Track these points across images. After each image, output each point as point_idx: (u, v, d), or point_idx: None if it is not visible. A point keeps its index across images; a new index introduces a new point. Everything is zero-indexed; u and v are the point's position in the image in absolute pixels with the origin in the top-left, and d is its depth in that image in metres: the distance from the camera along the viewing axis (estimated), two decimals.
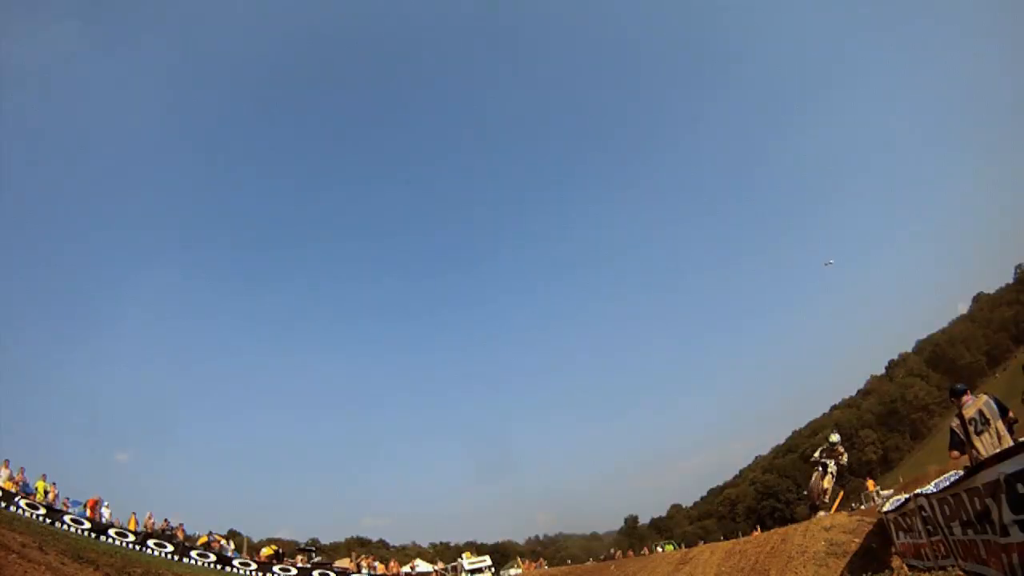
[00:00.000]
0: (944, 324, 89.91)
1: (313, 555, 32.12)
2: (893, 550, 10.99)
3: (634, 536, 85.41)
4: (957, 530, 6.28)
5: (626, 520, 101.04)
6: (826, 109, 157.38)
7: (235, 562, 23.61)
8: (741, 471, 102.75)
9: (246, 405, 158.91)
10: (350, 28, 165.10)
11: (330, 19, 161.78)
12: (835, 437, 17.61)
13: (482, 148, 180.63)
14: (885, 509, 12.03)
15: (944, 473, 13.34)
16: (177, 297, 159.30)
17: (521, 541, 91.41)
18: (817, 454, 17.54)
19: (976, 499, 5.23)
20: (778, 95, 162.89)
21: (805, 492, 16.72)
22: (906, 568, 9.67)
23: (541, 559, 47.75)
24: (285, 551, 31.77)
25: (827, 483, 16.41)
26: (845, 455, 17.34)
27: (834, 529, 13.42)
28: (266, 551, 25.77)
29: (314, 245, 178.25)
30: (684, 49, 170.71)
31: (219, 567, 22.75)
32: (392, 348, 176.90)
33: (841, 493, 33.03)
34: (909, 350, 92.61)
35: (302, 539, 55.87)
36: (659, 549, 34.12)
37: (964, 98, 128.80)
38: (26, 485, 20.59)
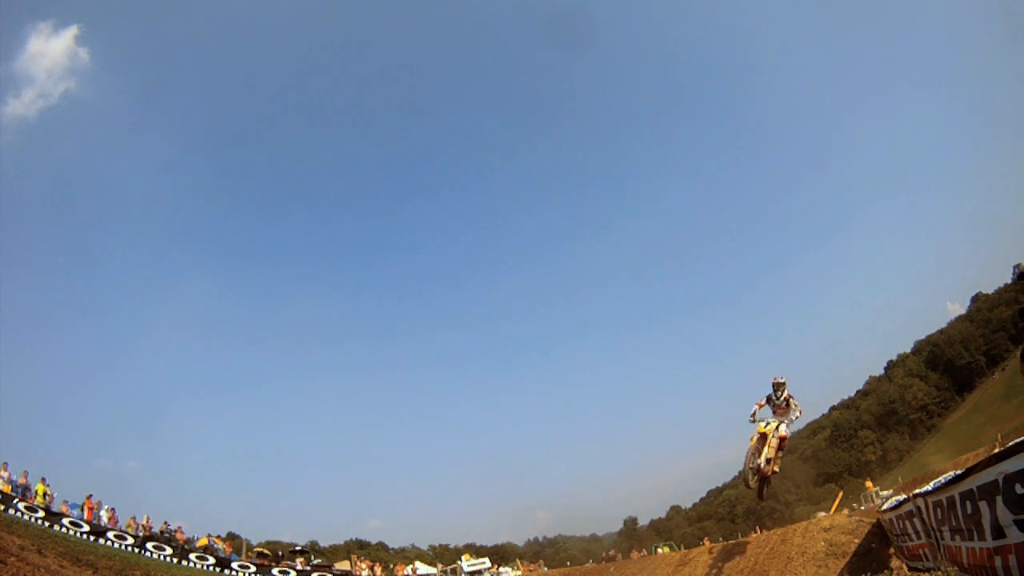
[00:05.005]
0: (942, 324, 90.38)
1: (312, 558, 32.08)
2: (892, 551, 11.01)
3: (633, 537, 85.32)
4: (947, 535, 6.28)
5: (625, 521, 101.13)
6: (826, 108, 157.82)
7: (234, 564, 23.60)
8: (740, 472, 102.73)
9: (247, 407, 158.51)
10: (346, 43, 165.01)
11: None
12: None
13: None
14: (883, 508, 12.06)
15: (943, 474, 13.38)
16: (178, 299, 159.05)
17: (520, 543, 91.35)
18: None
19: (968, 502, 5.22)
20: (777, 92, 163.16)
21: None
22: (906, 568, 9.68)
23: (540, 560, 47.74)
24: (284, 553, 31.73)
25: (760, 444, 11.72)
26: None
27: (833, 530, 13.44)
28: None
29: (316, 244, 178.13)
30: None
31: (218, 570, 22.76)
32: (391, 349, 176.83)
33: (840, 493, 33.01)
34: (908, 350, 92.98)
35: (304, 542, 55.75)
36: (658, 550, 34.08)
37: (962, 98, 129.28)
38: (27, 488, 20.58)
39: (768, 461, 11.78)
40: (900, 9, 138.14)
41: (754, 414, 12.14)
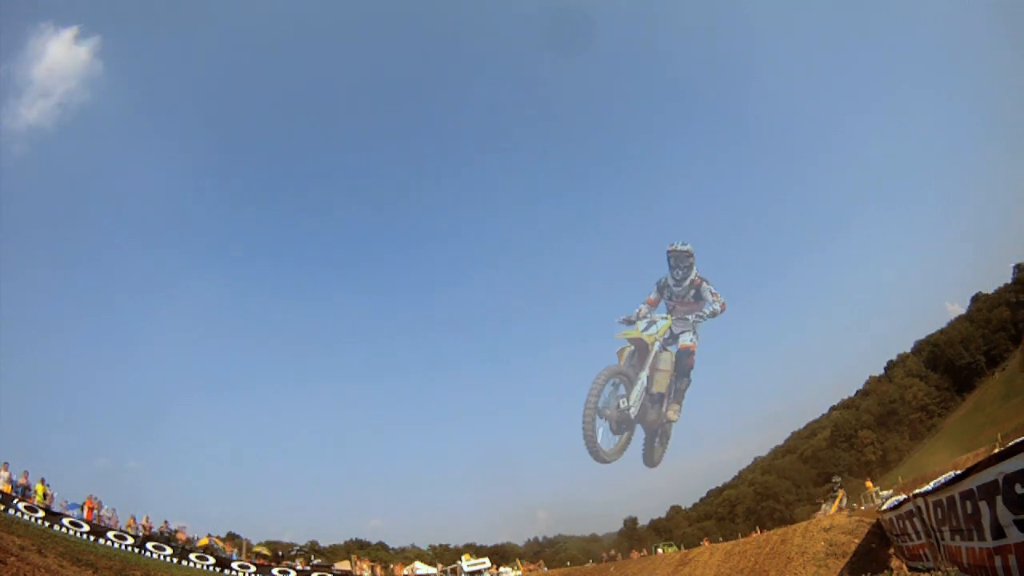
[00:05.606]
0: (942, 324, 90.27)
1: (312, 558, 32.11)
2: (892, 551, 11.02)
3: (633, 537, 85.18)
4: (947, 535, 6.29)
5: (625, 521, 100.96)
6: (825, 108, 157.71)
7: (234, 564, 23.62)
8: (740, 472, 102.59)
9: (247, 407, 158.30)
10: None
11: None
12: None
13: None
14: (883, 508, 12.07)
15: (943, 474, 13.38)
16: (179, 299, 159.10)
17: (520, 543, 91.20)
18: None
19: (968, 502, 5.23)
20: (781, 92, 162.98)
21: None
22: (906, 568, 9.70)
23: (540, 560, 47.75)
24: (284, 553, 31.79)
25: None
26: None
27: (833, 530, 13.46)
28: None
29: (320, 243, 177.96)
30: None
31: (218, 570, 22.76)
32: (391, 348, 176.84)
33: (841, 493, 32.94)
34: (908, 351, 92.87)
35: (304, 542, 55.79)
36: (658, 551, 34.08)
37: (962, 98, 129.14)
38: (27, 488, 20.58)
39: (660, 400, 5.55)
40: (901, 9, 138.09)
41: (637, 315, 6.12)
